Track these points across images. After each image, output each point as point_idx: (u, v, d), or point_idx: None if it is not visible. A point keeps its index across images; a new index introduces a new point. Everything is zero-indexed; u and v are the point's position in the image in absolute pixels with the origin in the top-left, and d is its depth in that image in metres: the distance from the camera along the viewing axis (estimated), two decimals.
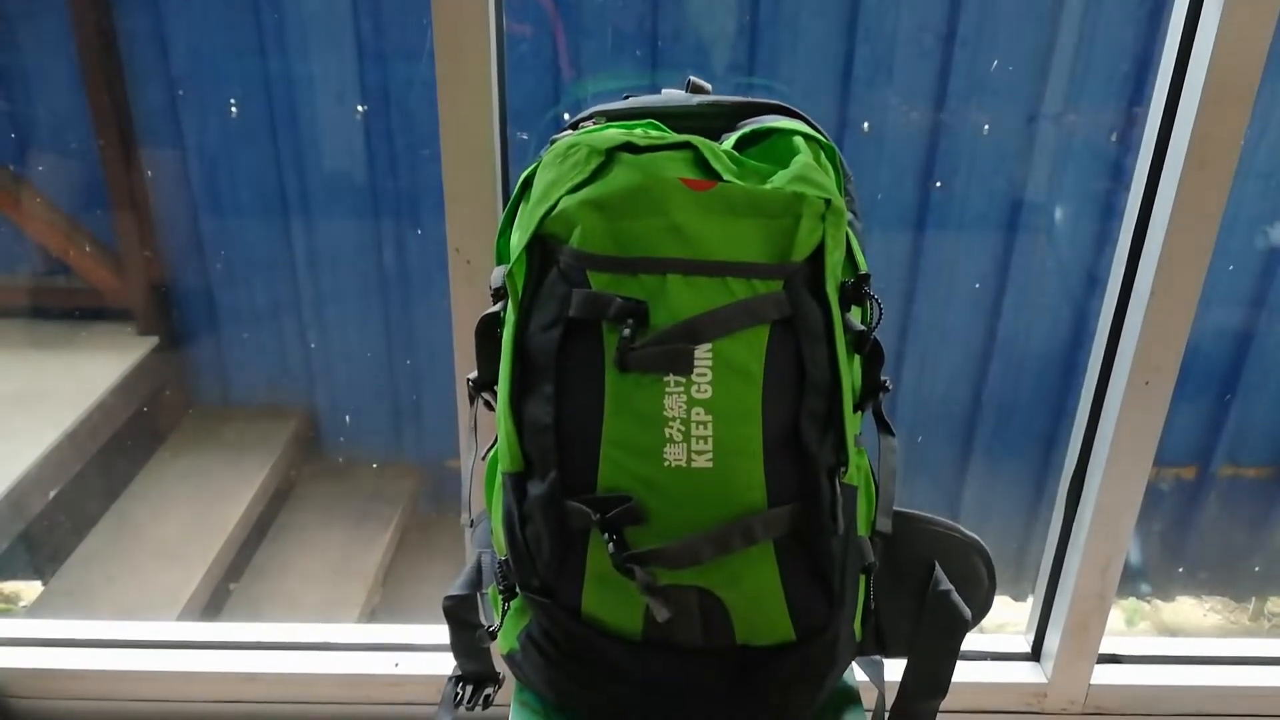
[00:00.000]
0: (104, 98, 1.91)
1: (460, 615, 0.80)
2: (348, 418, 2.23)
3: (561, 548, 0.65)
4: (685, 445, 0.62)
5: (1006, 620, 1.76)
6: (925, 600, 0.78)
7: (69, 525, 1.95)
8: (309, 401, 2.22)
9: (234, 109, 1.88)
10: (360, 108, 1.87)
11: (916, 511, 0.81)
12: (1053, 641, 1.15)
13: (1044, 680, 1.16)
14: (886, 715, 0.82)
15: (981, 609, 0.82)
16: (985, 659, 1.18)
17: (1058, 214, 1.83)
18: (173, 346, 2.20)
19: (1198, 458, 2.12)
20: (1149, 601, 2.33)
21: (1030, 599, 1.21)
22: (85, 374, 2.06)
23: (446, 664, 0.85)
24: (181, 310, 2.14)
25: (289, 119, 1.85)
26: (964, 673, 1.12)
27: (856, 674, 0.82)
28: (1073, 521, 1.10)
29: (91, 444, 1.98)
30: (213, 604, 1.86)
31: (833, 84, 1.74)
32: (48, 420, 1.91)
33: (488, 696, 0.87)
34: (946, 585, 0.78)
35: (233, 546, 1.95)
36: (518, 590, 0.71)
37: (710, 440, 0.62)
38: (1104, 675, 1.16)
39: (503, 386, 0.68)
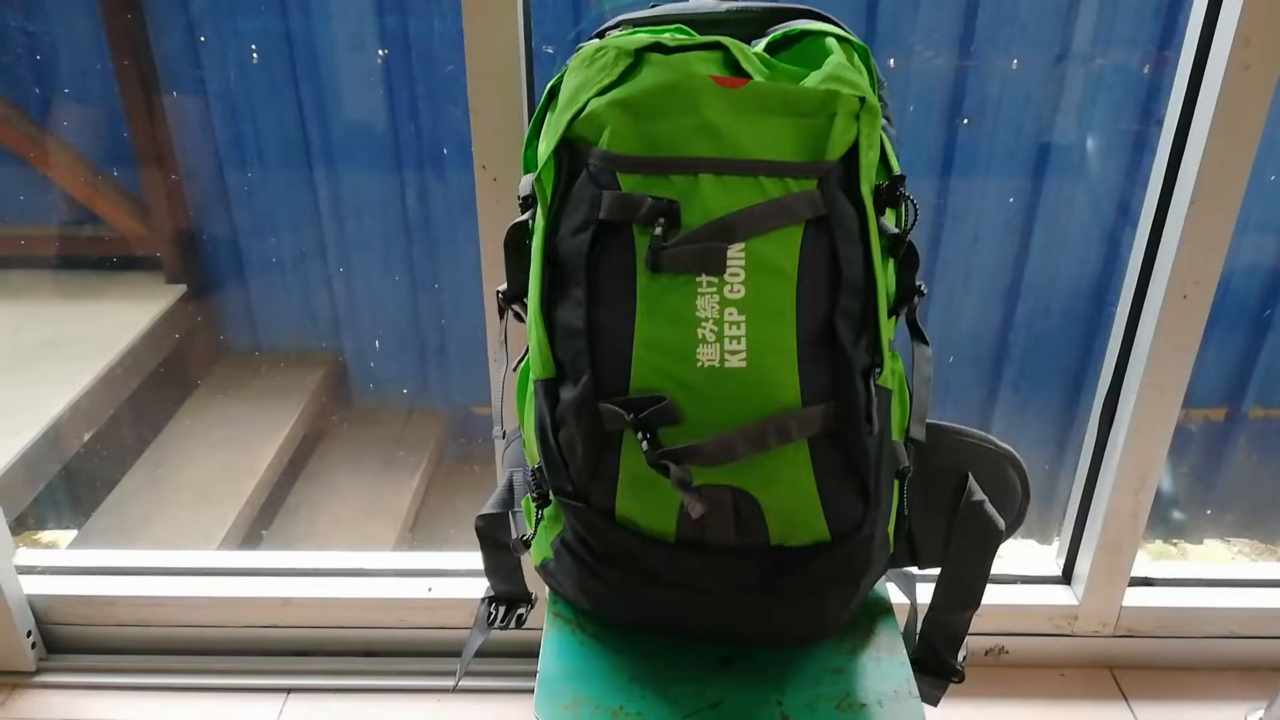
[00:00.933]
0: (125, 46, 1.90)
1: (492, 535, 0.80)
2: (374, 364, 2.24)
3: (595, 451, 0.65)
4: (718, 345, 0.62)
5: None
6: (958, 512, 0.78)
7: (103, 469, 1.97)
8: (337, 348, 2.23)
9: (255, 55, 1.87)
10: (381, 52, 1.85)
11: (949, 423, 0.80)
12: (1084, 564, 1.15)
13: (1075, 602, 1.16)
14: (919, 628, 0.82)
15: (1016, 520, 0.82)
16: (1015, 582, 1.18)
17: (1088, 149, 1.80)
18: (200, 294, 2.21)
19: (1228, 399, 2.09)
20: (1175, 544, 2.32)
21: (1056, 542, 1.20)
22: (115, 321, 2.07)
23: (479, 588, 0.86)
24: (208, 258, 2.15)
25: (310, 65, 1.84)
26: (994, 596, 1.12)
27: (890, 593, 0.82)
28: (1106, 439, 1.09)
29: (123, 389, 2.00)
30: (246, 546, 1.88)
31: (858, 20, 1.71)
32: (79, 366, 1.93)
33: (520, 616, 0.87)
34: (980, 496, 0.78)
35: (264, 490, 1.97)
36: (551, 498, 0.71)
37: (744, 340, 0.62)
38: (1136, 598, 1.16)
39: (533, 293, 0.67)
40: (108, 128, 2.01)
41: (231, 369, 2.25)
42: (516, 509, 0.82)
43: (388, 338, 2.14)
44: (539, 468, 0.71)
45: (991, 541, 0.78)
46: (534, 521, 0.76)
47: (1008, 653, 1.19)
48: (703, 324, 0.62)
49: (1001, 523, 0.78)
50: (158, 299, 2.14)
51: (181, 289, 2.17)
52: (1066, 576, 1.18)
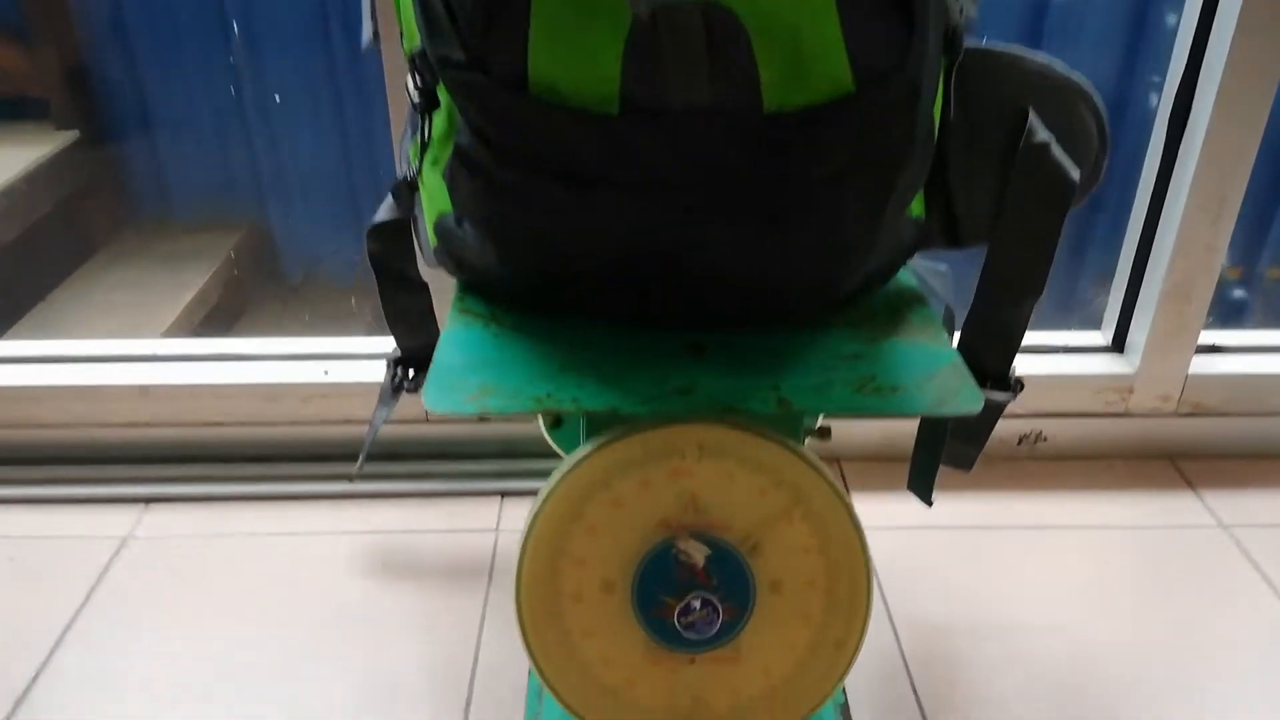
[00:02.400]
0: None
1: (391, 262, 0.64)
2: (299, 233, 2.00)
3: None
4: None
5: None
6: (1015, 159, 0.56)
7: None
8: (260, 215, 2.00)
9: None
10: None
11: (1000, 47, 0.58)
12: (1142, 322, 0.96)
13: (1130, 371, 0.97)
14: (959, 332, 0.61)
15: (1091, 173, 0.61)
16: (1054, 352, 0.97)
17: None
18: (97, 143, 1.98)
19: None
20: None
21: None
22: None
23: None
24: (104, 103, 1.90)
25: None
26: (1029, 366, 0.92)
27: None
28: (1176, 152, 0.87)
29: (4, 232, 1.79)
30: None
31: None
32: None
33: None
34: (1044, 136, 0.57)
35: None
36: (438, 92, 0.49)
37: None
38: (1203, 365, 0.96)
39: None
40: None
41: (139, 235, 2.04)
42: (418, 212, 0.60)
43: (316, 203, 1.90)
44: (419, 49, 0.48)
45: (1060, 197, 0.57)
46: (419, 152, 0.54)
47: (1046, 440, 1.00)
48: None
49: (1074, 171, 0.57)
50: (45, 143, 1.93)
51: (74, 135, 1.95)
52: (1119, 344, 0.98)
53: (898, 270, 0.60)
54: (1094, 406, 0.98)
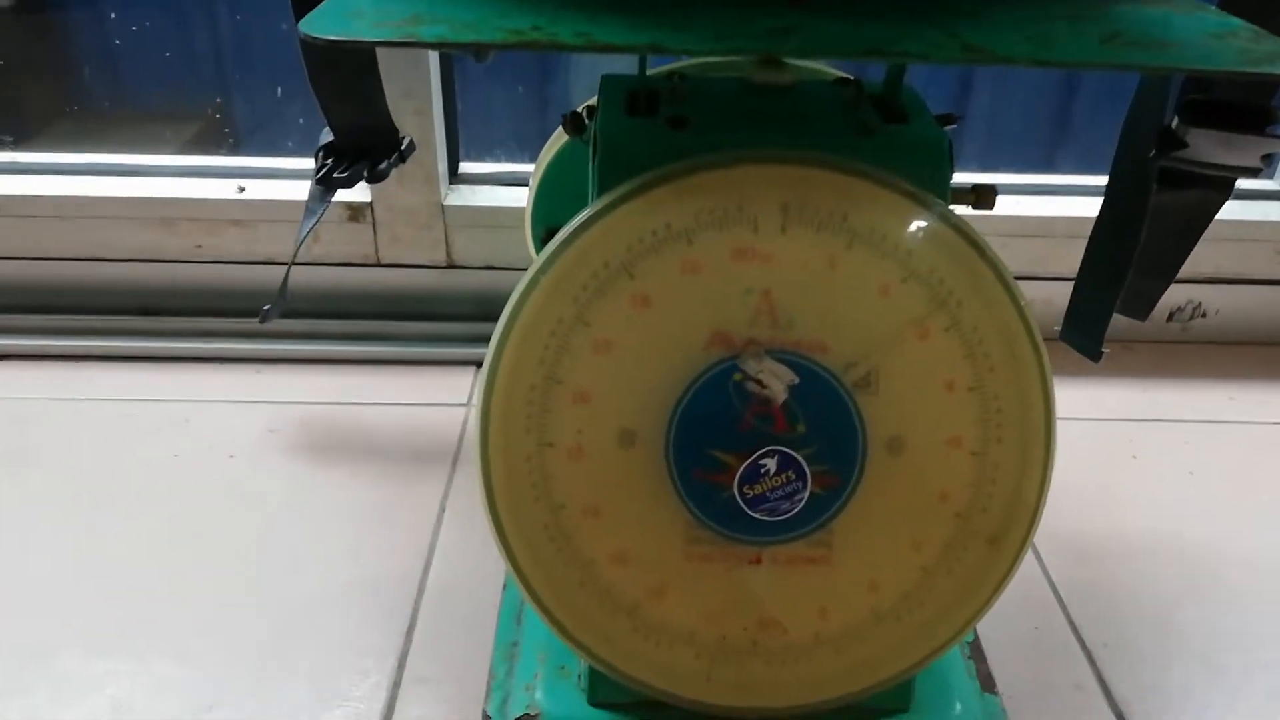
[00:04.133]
0: None
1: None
2: (266, 127, 1.78)
3: None
4: None
5: None
6: None
7: None
8: (223, 102, 1.78)
9: None
10: None
11: None
12: None
13: None
14: None
15: None
16: None
17: None
18: (33, 9, 1.76)
19: None
20: None
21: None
22: None
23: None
24: None
25: None
26: None
27: None
28: None
29: None
30: None
31: None
32: None
33: (380, 166, 0.58)
34: None
35: None
36: None
37: None
38: None
39: None
40: None
41: (76, 125, 1.83)
42: None
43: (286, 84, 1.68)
44: None
45: None
46: None
47: (1205, 316, 0.76)
48: None
49: None
50: None
51: None
52: None
53: None
54: (1270, 270, 0.77)
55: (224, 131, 1.47)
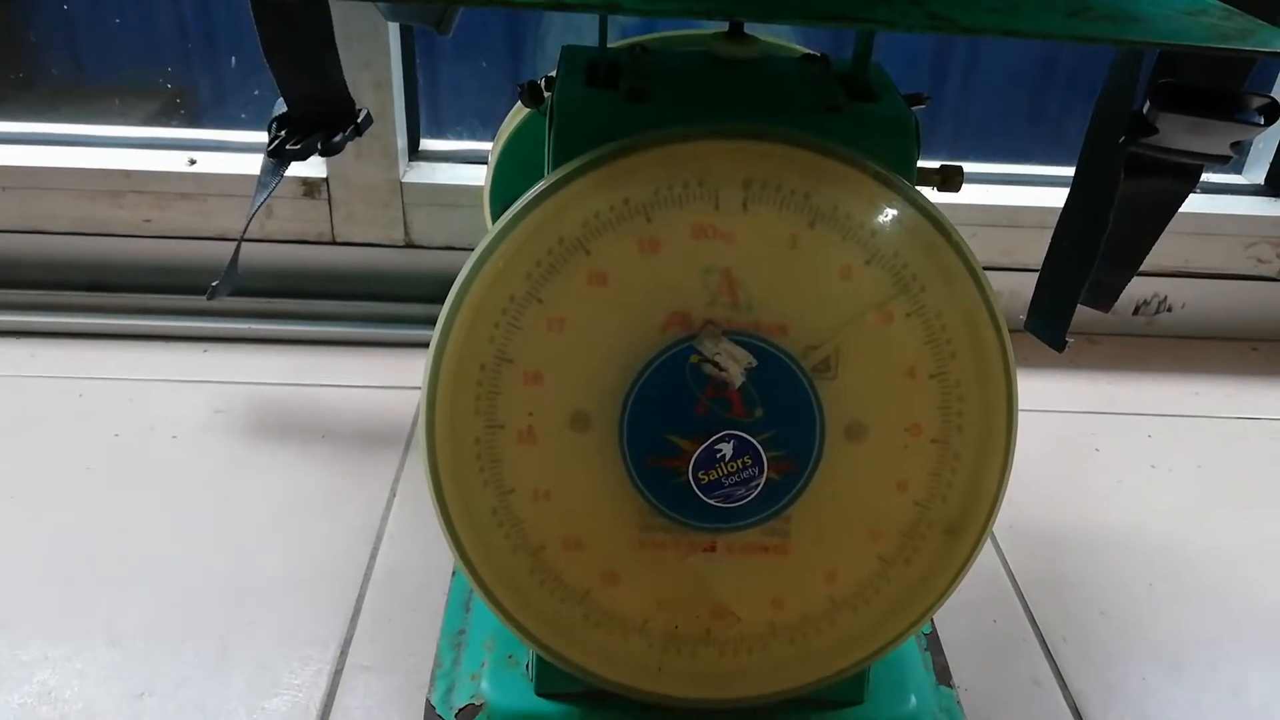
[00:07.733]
0: None
1: None
2: (228, 102, 1.75)
3: None
4: None
5: None
6: None
7: None
8: (186, 80, 1.75)
9: None
10: None
11: None
12: None
13: None
14: None
15: None
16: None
17: None
18: None
19: None
20: None
21: None
22: None
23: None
24: None
25: None
26: None
27: None
28: None
29: None
30: None
31: None
32: None
33: (335, 139, 0.57)
34: None
35: None
36: None
37: None
38: None
39: None
40: None
41: (35, 98, 1.78)
42: None
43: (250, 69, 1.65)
44: None
45: None
46: None
47: (1171, 310, 0.77)
48: None
49: None
50: None
51: None
52: (1274, 183, 0.76)
53: None
54: (1235, 265, 0.78)
55: (182, 109, 1.44)
